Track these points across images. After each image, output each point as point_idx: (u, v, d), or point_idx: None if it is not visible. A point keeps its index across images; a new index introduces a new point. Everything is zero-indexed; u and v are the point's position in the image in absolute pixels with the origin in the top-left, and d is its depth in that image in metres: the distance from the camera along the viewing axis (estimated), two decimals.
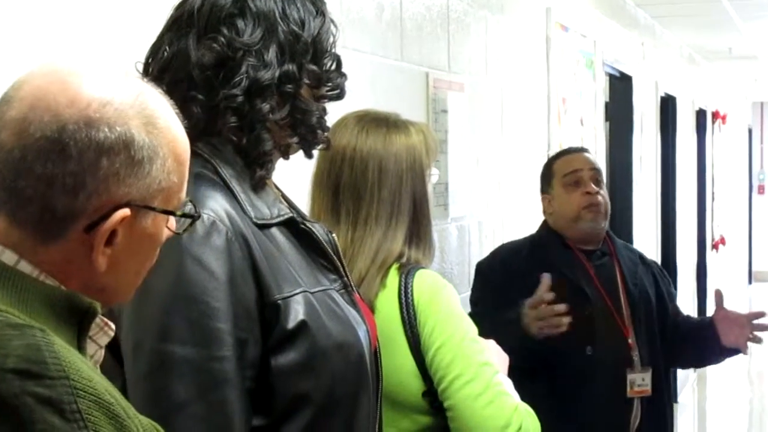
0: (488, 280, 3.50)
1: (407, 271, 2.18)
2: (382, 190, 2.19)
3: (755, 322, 3.43)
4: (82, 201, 1.17)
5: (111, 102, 1.19)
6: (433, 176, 2.34)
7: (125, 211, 1.19)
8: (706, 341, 3.49)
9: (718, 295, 3.50)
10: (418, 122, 2.32)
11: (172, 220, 1.28)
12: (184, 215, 1.29)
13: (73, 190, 1.16)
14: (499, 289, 3.40)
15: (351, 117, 2.24)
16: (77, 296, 1.20)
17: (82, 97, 1.18)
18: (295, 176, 2.25)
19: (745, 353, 3.49)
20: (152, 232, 1.25)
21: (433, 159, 2.30)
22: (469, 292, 3.98)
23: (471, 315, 3.22)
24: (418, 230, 2.23)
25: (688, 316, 3.73)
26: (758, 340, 3.43)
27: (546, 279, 3.10)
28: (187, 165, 1.29)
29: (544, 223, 3.59)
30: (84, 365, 1.13)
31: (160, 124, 1.23)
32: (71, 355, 1.13)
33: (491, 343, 2.30)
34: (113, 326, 1.27)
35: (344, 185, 2.20)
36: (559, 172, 3.53)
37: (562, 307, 3.09)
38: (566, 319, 3.09)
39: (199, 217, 1.35)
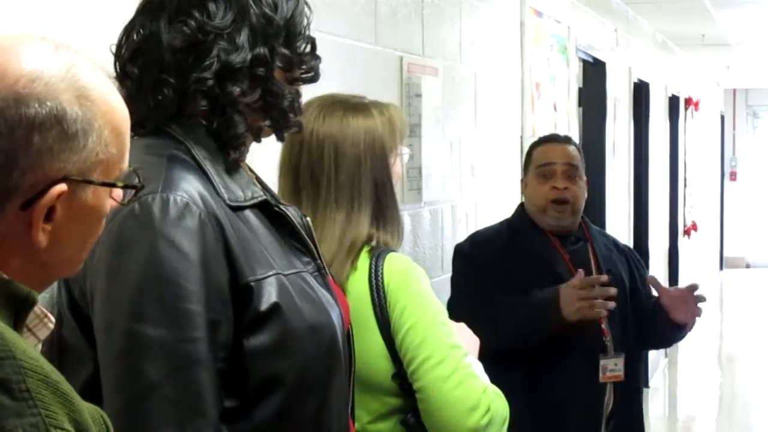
0: (473, 261, 3.49)
1: (378, 254, 2.18)
2: (340, 173, 2.18)
3: (696, 293, 3.51)
4: (16, 178, 1.15)
5: (40, 77, 1.17)
6: (405, 155, 2.34)
7: (62, 187, 1.17)
8: (658, 321, 3.53)
9: (652, 281, 3.59)
10: (386, 103, 2.30)
11: (117, 191, 1.27)
12: (126, 186, 1.28)
13: (6, 168, 1.15)
14: (485, 270, 3.42)
15: (314, 101, 2.24)
16: (15, 284, 1.18)
17: (10, 73, 1.16)
18: (268, 160, 2.25)
19: (690, 329, 3.58)
20: (93, 204, 1.23)
21: (400, 139, 2.28)
22: (442, 276, 4.00)
23: (466, 296, 3.33)
24: (384, 212, 2.23)
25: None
26: (699, 313, 3.54)
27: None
28: (127, 135, 1.27)
29: (521, 207, 3.62)
30: (28, 346, 1.13)
31: (93, 95, 1.21)
32: (15, 337, 1.12)
33: (462, 326, 2.31)
34: (53, 318, 1.25)
35: (303, 169, 2.20)
36: (535, 161, 3.56)
37: (613, 291, 3.26)
38: (611, 304, 3.28)
39: (142, 187, 1.34)
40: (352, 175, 2.19)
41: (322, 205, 2.18)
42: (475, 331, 2.39)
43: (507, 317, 3.30)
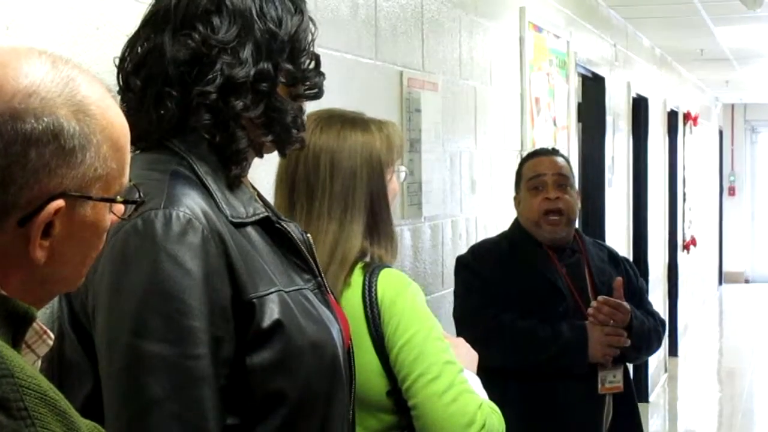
0: (478, 273, 3.50)
1: (372, 270, 2.18)
2: (334, 184, 2.18)
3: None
4: (13, 194, 1.15)
5: (37, 92, 1.16)
6: (402, 173, 2.34)
7: (59, 203, 1.17)
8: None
9: (617, 285, 3.53)
10: (384, 120, 2.31)
11: (118, 206, 1.26)
12: (126, 201, 1.27)
13: (2, 184, 1.14)
14: (490, 282, 3.43)
15: (311, 115, 2.24)
16: (13, 301, 1.17)
17: (7, 89, 1.16)
18: (269, 176, 2.25)
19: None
20: (93, 220, 1.22)
21: (398, 156, 2.28)
22: (442, 291, 4.00)
23: (477, 312, 3.38)
24: (378, 226, 2.22)
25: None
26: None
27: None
28: (127, 150, 1.26)
29: (516, 221, 3.64)
30: (26, 364, 1.12)
31: (92, 110, 1.20)
32: (13, 354, 1.11)
33: (459, 341, 2.31)
34: (52, 335, 1.24)
35: (298, 181, 2.20)
36: (526, 176, 3.60)
37: (629, 342, 3.43)
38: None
39: (143, 202, 1.34)
40: (347, 187, 2.19)
41: (316, 216, 2.18)
42: (485, 349, 2.39)
43: (533, 348, 3.35)
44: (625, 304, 3.43)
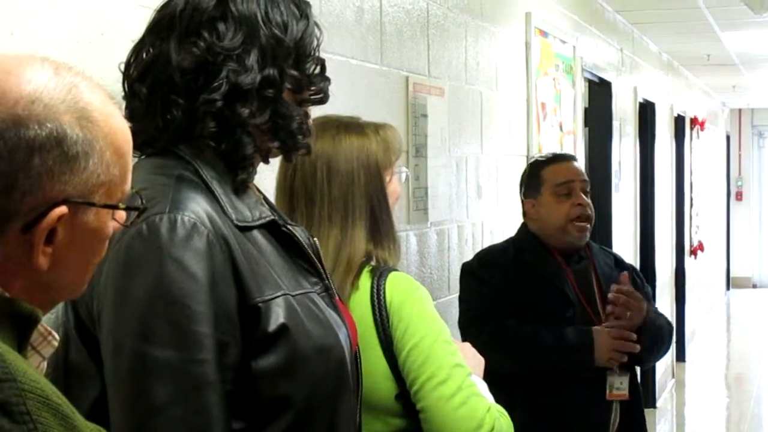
0: (484, 281, 3.48)
1: (380, 274, 2.18)
2: (332, 189, 2.19)
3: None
4: (16, 201, 1.15)
5: (40, 98, 1.16)
6: (402, 174, 2.34)
7: (62, 209, 1.17)
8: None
9: (624, 279, 3.48)
10: (381, 123, 2.31)
11: (121, 213, 1.26)
12: (128, 208, 1.27)
13: (6, 190, 1.14)
14: (496, 289, 3.42)
15: None
16: (18, 303, 1.17)
17: (10, 95, 1.16)
18: (275, 181, 2.25)
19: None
20: (95, 227, 1.22)
21: (396, 158, 2.28)
22: (448, 296, 4.00)
23: (483, 318, 3.36)
24: (380, 229, 2.22)
25: None
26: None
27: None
28: (129, 157, 1.26)
29: (524, 226, 3.60)
30: (30, 368, 1.12)
31: (95, 117, 1.20)
32: (16, 358, 1.11)
33: (466, 345, 2.31)
34: (57, 336, 1.24)
35: (297, 189, 2.21)
36: (551, 180, 3.52)
37: (638, 348, 3.38)
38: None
39: (145, 209, 1.34)
40: (345, 191, 2.19)
41: (316, 222, 2.18)
42: (490, 354, 2.38)
43: (539, 352, 3.34)
44: (637, 293, 3.42)
